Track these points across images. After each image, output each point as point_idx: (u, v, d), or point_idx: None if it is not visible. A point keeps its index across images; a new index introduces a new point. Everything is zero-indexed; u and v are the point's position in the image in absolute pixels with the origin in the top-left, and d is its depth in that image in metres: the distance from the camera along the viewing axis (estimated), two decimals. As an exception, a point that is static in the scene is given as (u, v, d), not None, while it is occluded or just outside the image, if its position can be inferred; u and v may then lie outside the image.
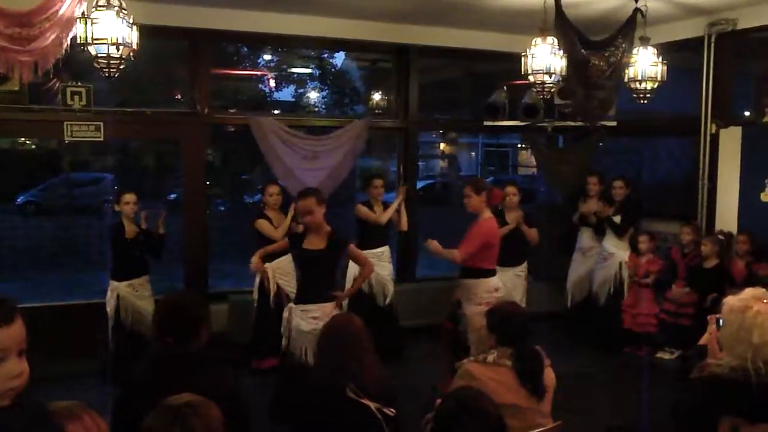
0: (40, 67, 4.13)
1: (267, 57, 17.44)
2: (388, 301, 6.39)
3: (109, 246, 5.76)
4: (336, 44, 8.53)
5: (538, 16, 5.17)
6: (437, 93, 14.23)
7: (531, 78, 5.21)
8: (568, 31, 5.42)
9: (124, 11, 3.90)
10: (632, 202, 6.77)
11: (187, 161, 6.67)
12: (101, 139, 6.19)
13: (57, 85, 5.93)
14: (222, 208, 17.34)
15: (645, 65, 5.52)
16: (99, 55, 3.89)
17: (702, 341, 2.78)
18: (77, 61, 5.48)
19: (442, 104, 15.02)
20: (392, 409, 2.82)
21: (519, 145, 24.30)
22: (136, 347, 5.47)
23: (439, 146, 27.04)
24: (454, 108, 15.05)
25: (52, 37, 4.05)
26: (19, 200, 17.37)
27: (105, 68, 3.93)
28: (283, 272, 5.91)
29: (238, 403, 2.68)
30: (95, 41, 3.85)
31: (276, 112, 13.50)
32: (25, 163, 18.28)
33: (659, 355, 6.40)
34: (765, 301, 2.40)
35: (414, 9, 6.29)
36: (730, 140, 6.39)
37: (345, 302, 6.19)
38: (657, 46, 5.63)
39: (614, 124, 7.19)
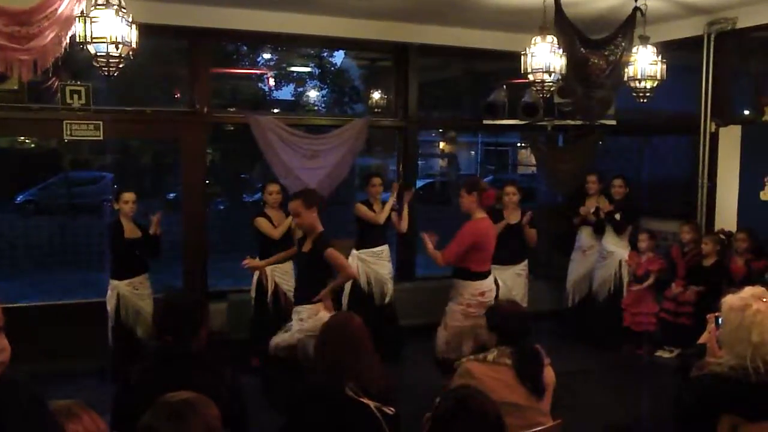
0: (39, 66, 4.13)
1: (266, 56, 17.42)
2: (387, 300, 6.38)
3: (108, 245, 5.76)
4: (335, 43, 8.54)
5: (538, 15, 5.17)
6: (437, 92, 14.23)
7: (530, 77, 5.21)
8: (567, 29, 5.42)
9: (123, 10, 3.90)
10: (631, 200, 6.77)
11: (186, 160, 6.67)
12: (100, 138, 6.19)
13: (56, 83, 5.93)
14: (221, 207, 17.34)
15: (644, 64, 5.52)
16: (98, 53, 3.89)
17: (701, 340, 2.78)
18: (76, 60, 5.49)
19: (441, 103, 15.02)
20: (391, 408, 2.82)
21: (518, 144, 24.31)
22: (136, 346, 5.49)
23: (438, 145, 27.01)
24: (453, 107, 15.04)
25: (52, 35, 4.04)
26: (18, 199, 17.37)
27: (104, 67, 3.93)
28: (281, 271, 5.91)
29: (237, 401, 2.68)
30: (94, 40, 3.85)
31: (275, 110, 13.49)
32: (25, 162, 18.26)
33: (659, 353, 6.41)
34: (764, 299, 2.40)
35: (413, 8, 6.28)
36: (730, 139, 6.39)
37: (345, 302, 6.25)
38: (656, 45, 5.63)
39: (614, 122, 7.20)
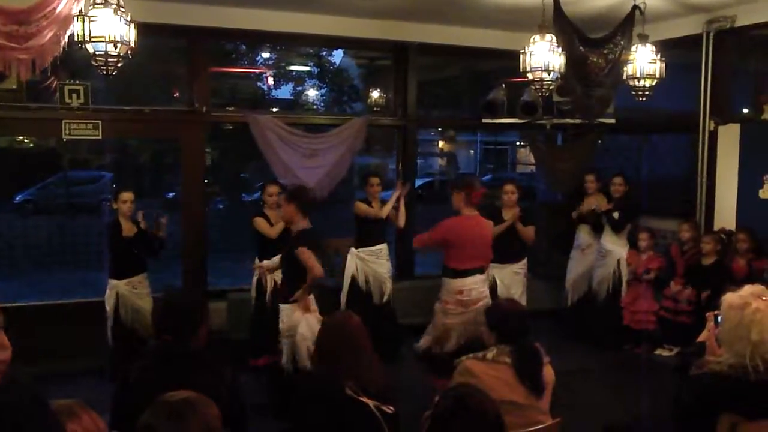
0: (37, 65, 4.12)
1: (265, 55, 17.41)
2: (386, 298, 6.38)
3: (107, 244, 5.75)
4: (335, 42, 8.53)
5: (537, 14, 5.17)
6: (436, 90, 14.22)
7: (529, 75, 5.20)
8: (566, 28, 5.41)
9: (121, 9, 3.89)
10: (630, 199, 6.77)
11: (185, 159, 6.67)
12: (99, 137, 6.18)
13: (55, 83, 5.92)
14: (220, 207, 17.33)
15: (644, 62, 5.52)
16: (97, 53, 3.88)
17: (701, 338, 2.78)
18: (75, 59, 5.47)
19: (440, 102, 15.03)
20: (391, 407, 2.82)
21: (518, 143, 24.34)
22: (135, 346, 5.48)
23: (437, 144, 27.04)
24: (452, 105, 15.05)
25: (50, 34, 4.04)
26: (17, 199, 17.36)
27: (103, 66, 3.92)
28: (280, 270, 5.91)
29: (236, 401, 2.68)
30: (93, 39, 3.84)
31: (274, 109, 13.48)
32: (23, 161, 18.25)
33: (658, 352, 6.42)
34: (764, 298, 2.40)
35: (413, 6, 6.28)
36: (729, 137, 6.39)
37: (343, 301, 6.25)
38: (656, 44, 5.62)
39: (613, 121, 7.19)
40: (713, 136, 6.50)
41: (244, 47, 15.89)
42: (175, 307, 2.89)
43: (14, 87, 5.77)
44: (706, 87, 6.46)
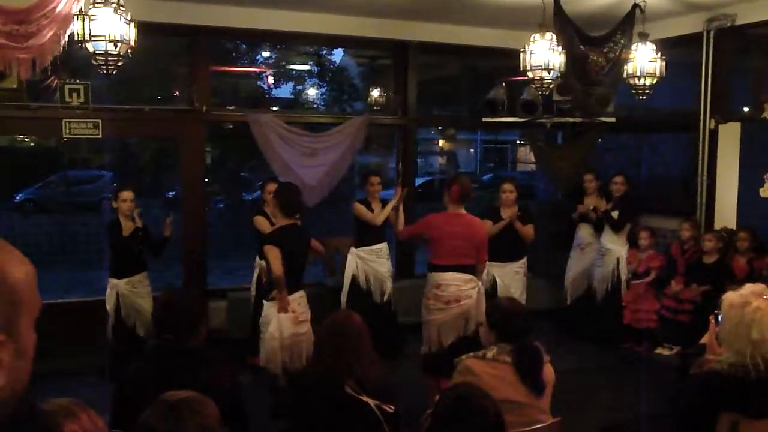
0: (38, 65, 4.13)
1: (266, 54, 17.38)
2: (386, 297, 6.38)
3: (107, 243, 5.75)
4: (335, 41, 8.52)
5: (537, 12, 5.17)
6: (436, 89, 14.19)
7: (530, 74, 5.21)
8: (566, 27, 5.42)
9: (121, 8, 3.90)
10: (630, 198, 6.77)
11: (185, 159, 6.67)
12: (99, 136, 6.18)
13: (55, 82, 5.92)
14: (221, 206, 17.32)
15: (644, 61, 5.52)
16: (97, 52, 3.88)
17: (703, 340, 2.78)
18: (75, 58, 5.47)
19: (440, 101, 15.00)
20: (391, 406, 2.82)
21: (518, 142, 24.32)
22: (135, 345, 5.48)
23: (437, 143, 27.01)
24: (452, 104, 15.03)
25: (50, 34, 4.04)
26: (17, 198, 17.34)
27: (103, 65, 3.92)
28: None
29: (236, 400, 2.68)
30: (93, 38, 3.85)
31: (275, 108, 13.44)
32: (24, 160, 18.23)
33: (658, 350, 6.41)
34: (764, 297, 2.39)
35: (413, 5, 6.28)
36: (729, 136, 6.39)
37: (343, 300, 6.25)
38: (656, 42, 5.62)
39: (613, 120, 7.19)
40: (714, 134, 6.50)
41: (244, 46, 15.87)
42: (175, 305, 2.89)
43: (14, 86, 5.77)
44: (706, 85, 6.46)
